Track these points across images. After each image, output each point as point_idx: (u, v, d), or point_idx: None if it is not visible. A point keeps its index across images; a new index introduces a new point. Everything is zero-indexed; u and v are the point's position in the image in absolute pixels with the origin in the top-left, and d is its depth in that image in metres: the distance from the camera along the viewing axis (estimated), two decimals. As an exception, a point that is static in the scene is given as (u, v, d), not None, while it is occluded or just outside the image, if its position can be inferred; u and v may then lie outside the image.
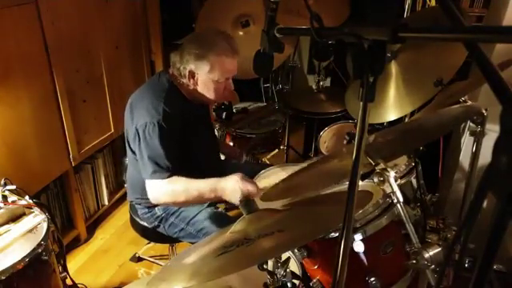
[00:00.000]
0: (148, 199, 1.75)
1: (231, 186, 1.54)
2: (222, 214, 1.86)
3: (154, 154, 1.56)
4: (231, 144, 2.42)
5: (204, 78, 1.63)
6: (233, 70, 1.66)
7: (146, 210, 1.78)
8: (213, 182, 1.57)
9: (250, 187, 1.53)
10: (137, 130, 1.59)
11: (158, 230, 1.79)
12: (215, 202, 1.79)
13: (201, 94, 1.69)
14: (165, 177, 1.56)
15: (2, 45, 1.77)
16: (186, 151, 1.68)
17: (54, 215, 1.72)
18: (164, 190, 1.58)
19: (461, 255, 0.75)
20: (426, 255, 1.12)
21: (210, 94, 1.68)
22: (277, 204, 1.29)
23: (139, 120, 1.59)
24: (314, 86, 2.78)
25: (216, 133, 2.11)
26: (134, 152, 1.67)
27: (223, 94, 1.71)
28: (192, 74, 1.63)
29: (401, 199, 1.18)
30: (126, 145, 1.75)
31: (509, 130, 0.41)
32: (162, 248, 2.24)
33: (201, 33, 1.97)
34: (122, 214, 2.72)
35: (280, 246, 0.99)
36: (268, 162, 2.73)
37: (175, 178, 1.57)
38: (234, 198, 1.54)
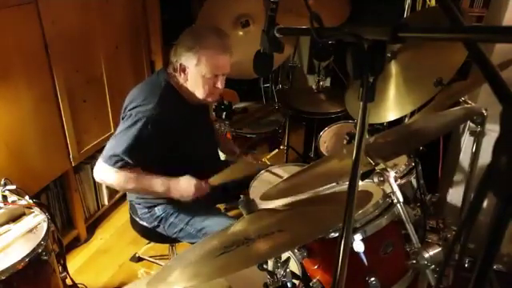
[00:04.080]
0: (147, 199, 1.75)
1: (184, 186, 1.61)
2: (221, 213, 1.85)
3: (122, 143, 1.55)
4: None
5: (193, 72, 1.62)
6: (222, 66, 1.64)
7: (146, 209, 1.78)
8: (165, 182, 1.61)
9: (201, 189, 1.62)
10: (125, 114, 1.62)
11: (158, 230, 1.79)
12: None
13: (191, 92, 1.68)
14: (116, 166, 1.55)
15: (2, 45, 1.77)
16: (181, 152, 1.68)
17: (54, 215, 1.72)
18: (111, 176, 1.58)
19: (461, 255, 0.75)
20: (426, 255, 1.12)
21: (198, 92, 1.66)
22: (277, 204, 1.29)
23: (131, 107, 1.60)
24: (313, 86, 2.78)
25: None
26: None
27: (212, 93, 1.68)
28: (183, 68, 1.63)
29: (401, 199, 1.18)
30: None
31: (509, 130, 0.41)
32: (162, 248, 2.24)
33: (196, 27, 1.97)
34: (122, 214, 2.72)
35: (280, 245, 0.99)
36: (268, 162, 2.73)
37: (125, 173, 1.57)
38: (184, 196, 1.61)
